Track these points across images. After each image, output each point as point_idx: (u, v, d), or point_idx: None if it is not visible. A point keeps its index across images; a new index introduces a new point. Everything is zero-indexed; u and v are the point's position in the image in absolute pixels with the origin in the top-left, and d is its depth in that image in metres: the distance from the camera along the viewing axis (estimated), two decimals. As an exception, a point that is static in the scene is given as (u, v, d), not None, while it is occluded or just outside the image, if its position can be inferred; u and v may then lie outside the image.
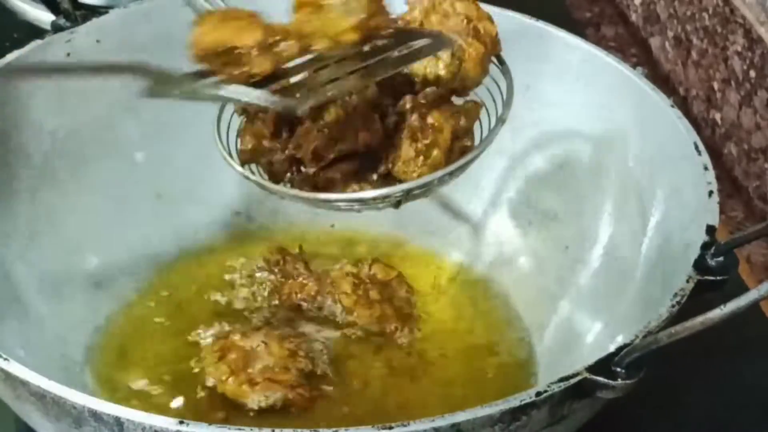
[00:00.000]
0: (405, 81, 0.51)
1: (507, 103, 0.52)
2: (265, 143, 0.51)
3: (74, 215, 0.60)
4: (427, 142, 0.49)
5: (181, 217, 0.64)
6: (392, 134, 0.50)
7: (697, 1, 0.77)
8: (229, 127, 0.52)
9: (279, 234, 0.65)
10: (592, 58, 0.61)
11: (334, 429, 0.41)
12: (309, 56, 0.47)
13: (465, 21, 0.51)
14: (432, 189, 0.51)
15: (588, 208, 0.61)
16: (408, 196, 0.50)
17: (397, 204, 0.51)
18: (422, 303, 0.61)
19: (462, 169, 0.50)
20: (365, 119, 0.50)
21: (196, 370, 0.56)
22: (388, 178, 0.50)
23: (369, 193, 0.50)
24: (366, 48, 0.48)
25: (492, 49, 0.52)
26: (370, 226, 0.65)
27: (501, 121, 0.51)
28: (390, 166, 0.50)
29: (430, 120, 0.50)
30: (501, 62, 0.54)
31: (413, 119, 0.50)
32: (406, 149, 0.49)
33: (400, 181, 0.50)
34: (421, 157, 0.49)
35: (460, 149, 0.51)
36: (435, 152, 0.49)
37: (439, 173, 0.49)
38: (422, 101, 0.50)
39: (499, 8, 0.63)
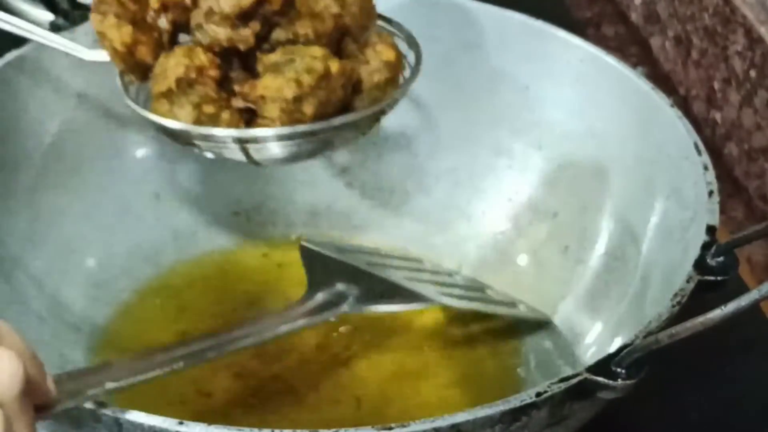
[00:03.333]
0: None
1: (413, 74, 0.53)
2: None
3: (73, 215, 0.60)
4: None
5: (180, 218, 0.64)
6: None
7: (698, 1, 0.76)
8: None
9: (278, 235, 0.65)
10: (592, 58, 0.61)
11: (335, 429, 0.40)
12: None
13: None
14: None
15: (588, 208, 0.61)
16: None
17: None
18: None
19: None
20: None
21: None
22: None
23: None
24: None
25: None
26: (370, 228, 0.65)
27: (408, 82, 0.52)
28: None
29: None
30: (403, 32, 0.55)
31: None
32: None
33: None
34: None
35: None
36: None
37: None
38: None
39: (499, 8, 0.63)
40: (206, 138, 0.49)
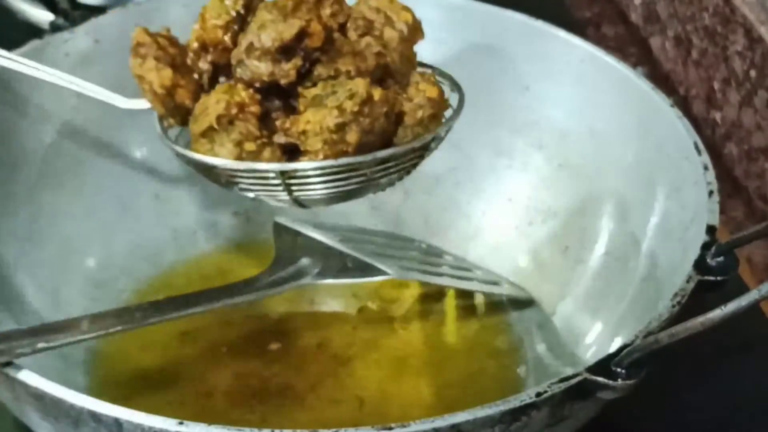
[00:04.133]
0: None
1: (455, 113, 0.53)
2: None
3: (74, 216, 0.60)
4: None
5: (180, 218, 0.64)
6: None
7: (698, 1, 0.76)
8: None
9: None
10: (592, 58, 0.61)
11: (335, 429, 0.40)
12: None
13: (376, 11, 0.51)
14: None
15: (588, 208, 0.61)
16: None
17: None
18: (422, 304, 0.61)
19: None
20: None
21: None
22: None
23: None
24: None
25: (412, 35, 0.52)
26: (369, 227, 0.65)
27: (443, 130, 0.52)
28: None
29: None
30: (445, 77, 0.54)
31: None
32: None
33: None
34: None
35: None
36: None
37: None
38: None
39: (499, 8, 0.63)
40: (249, 174, 0.49)
